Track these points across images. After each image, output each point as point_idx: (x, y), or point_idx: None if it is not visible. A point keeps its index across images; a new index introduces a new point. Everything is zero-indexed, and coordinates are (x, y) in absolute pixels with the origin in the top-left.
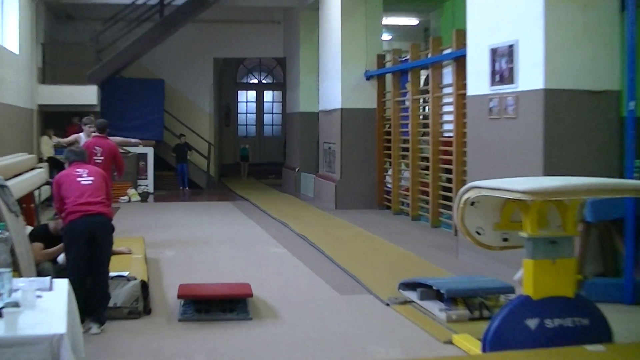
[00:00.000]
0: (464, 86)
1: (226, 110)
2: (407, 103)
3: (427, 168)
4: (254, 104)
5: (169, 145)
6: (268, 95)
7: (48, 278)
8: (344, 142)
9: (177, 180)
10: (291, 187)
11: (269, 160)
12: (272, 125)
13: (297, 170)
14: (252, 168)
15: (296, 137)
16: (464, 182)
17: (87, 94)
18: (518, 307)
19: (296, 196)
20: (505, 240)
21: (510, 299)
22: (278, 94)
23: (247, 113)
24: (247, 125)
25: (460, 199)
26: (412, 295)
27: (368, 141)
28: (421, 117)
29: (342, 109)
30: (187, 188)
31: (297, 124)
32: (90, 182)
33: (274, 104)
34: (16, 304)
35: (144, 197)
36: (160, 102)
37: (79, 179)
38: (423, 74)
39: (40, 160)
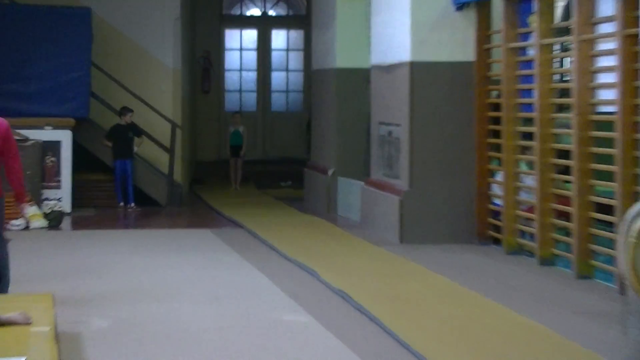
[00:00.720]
0: (637, 21)
1: (205, 65)
2: (532, 52)
3: (567, 171)
4: (255, 54)
5: (101, 128)
6: (279, 37)
7: None
8: (415, 122)
9: (115, 191)
10: (320, 204)
11: (280, 154)
12: (287, 92)
13: (330, 173)
14: (251, 168)
15: (329, 113)
16: (636, 197)
17: None
18: None
19: (329, 219)
20: None
21: None
22: (296, 36)
23: (241, 70)
24: (241, 91)
25: (629, 229)
26: None
27: (459, 121)
28: (557, 77)
29: (412, 64)
30: (132, 205)
31: (332, 90)
32: None
33: (290, 53)
34: None
35: (55, 220)
36: (85, 49)
37: None
38: (560, 0)
39: None
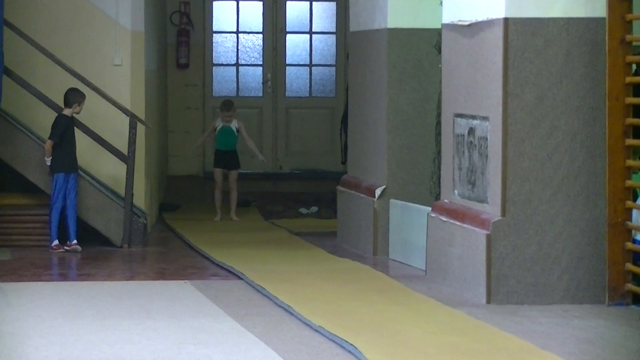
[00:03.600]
0: None
1: (181, 26)
2: None
3: None
4: (260, 7)
5: (19, 123)
6: None
7: None
8: (512, 113)
9: (50, 222)
10: (363, 241)
11: (299, 164)
12: (310, 66)
13: (379, 193)
14: (255, 186)
15: (377, 100)
16: None
17: None
18: None
19: (378, 266)
20: None
21: None
22: None
23: (238, 32)
24: (238, 66)
25: None
26: None
27: (581, 112)
28: None
29: (507, 22)
30: (75, 242)
31: (381, 63)
32: None
33: (316, 6)
34: None
35: None
36: None
37: None
38: None
39: None
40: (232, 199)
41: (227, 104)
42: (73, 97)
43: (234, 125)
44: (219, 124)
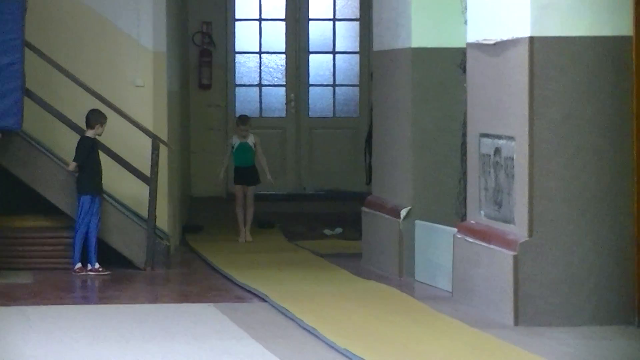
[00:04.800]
0: None
1: (203, 46)
2: None
3: None
4: (282, 27)
5: (39, 145)
6: (321, 0)
7: None
8: (538, 133)
9: (74, 244)
10: (388, 263)
11: (323, 184)
12: (333, 86)
13: (404, 214)
14: (278, 207)
15: (401, 119)
16: None
17: None
18: None
19: (403, 288)
20: None
21: None
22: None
23: (260, 52)
24: (260, 86)
25: None
26: None
27: (608, 131)
28: None
29: (533, 40)
30: (96, 267)
31: (405, 82)
32: None
33: (339, 26)
34: None
35: None
36: (16, 22)
37: None
38: None
39: None
40: (247, 217)
41: (243, 118)
42: (94, 118)
43: (250, 140)
44: (236, 141)
